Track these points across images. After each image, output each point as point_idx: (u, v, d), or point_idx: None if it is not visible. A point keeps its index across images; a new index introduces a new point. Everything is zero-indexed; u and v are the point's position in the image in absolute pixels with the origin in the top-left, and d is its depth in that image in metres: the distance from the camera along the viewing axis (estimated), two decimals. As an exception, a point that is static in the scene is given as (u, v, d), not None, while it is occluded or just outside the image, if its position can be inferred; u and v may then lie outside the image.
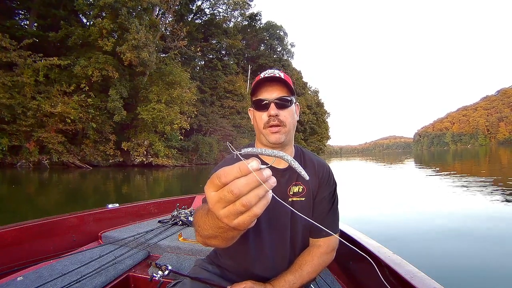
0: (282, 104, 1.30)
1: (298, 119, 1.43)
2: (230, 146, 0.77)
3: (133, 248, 2.47)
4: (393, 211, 7.39)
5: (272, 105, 1.29)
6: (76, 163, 25.24)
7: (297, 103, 1.41)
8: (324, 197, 1.42)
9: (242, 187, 0.60)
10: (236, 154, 0.72)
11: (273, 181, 0.63)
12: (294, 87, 1.36)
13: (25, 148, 22.78)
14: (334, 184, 1.48)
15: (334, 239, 1.42)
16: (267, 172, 0.63)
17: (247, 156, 0.67)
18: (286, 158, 0.74)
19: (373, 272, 1.65)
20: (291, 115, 1.34)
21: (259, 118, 1.33)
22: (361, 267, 1.86)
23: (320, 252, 1.38)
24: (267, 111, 1.30)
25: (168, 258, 2.31)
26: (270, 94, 1.30)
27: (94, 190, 12.82)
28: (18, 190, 11.85)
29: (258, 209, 0.62)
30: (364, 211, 7.54)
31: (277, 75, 1.31)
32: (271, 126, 1.30)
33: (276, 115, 1.29)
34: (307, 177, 0.75)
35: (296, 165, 0.75)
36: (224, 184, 0.62)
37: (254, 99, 1.34)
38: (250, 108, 1.44)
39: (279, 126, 1.30)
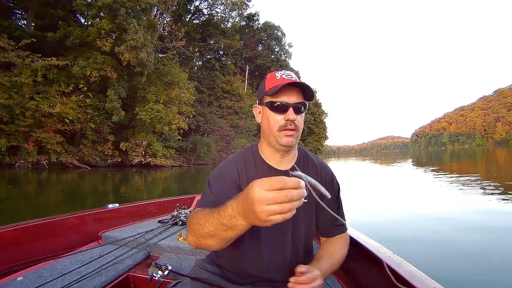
0: (299, 109, 1.30)
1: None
2: (291, 173, 1.02)
3: (133, 248, 2.47)
4: (391, 211, 7.41)
5: (291, 109, 1.28)
6: (75, 163, 25.19)
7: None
8: (328, 199, 1.41)
9: (294, 197, 0.79)
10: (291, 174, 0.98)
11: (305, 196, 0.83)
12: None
13: (24, 149, 22.74)
14: (337, 186, 1.51)
15: (347, 237, 1.50)
16: (305, 191, 0.82)
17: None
18: (323, 190, 1.01)
19: (373, 272, 1.66)
20: (302, 120, 1.35)
21: (274, 120, 1.32)
22: (361, 266, 1.87)
23: (342, 244, 1.45)
24: (284, 115, 1.29)
25: (168, 258, 2.31)
26: (289, 97, 1.29)
27: (92, 190, 12.80)
28: (16, 190, 11.84)
29: (290, 214, 0.81)
30: (362, 210, 7.56)
31: (295, 78, 1.31)
32: (287, 130, 1.30)
33: (293, 120, 1.29)
34: (329, 196, 0.97)
35: (323, 189, 0.98)
36: (281, 189, 0.79)
37: (271, 100, 1.31)
38: (256, 105, 1.43)
39: (294, 130, 1.31)
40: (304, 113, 1.34)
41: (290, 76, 1.31)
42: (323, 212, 1.42)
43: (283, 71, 1.35)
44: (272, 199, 0.78)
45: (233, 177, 1.37)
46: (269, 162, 1.42)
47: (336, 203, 1.47)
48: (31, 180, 16.33)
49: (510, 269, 3.73)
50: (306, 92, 1.31)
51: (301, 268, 1.15)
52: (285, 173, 1.35)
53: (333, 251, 1.40)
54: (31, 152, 22.85)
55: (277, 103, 1.29)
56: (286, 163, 1.41)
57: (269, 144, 1.39)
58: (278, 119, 1.30)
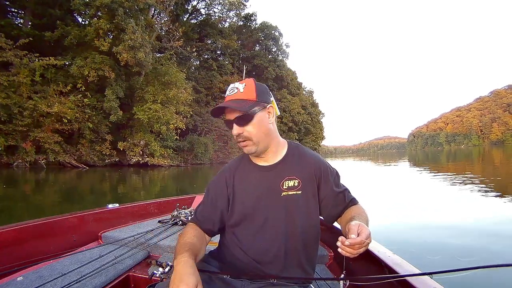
0: (243, 121, 1.37)
1: (272, 121, 1.46)
2: None
3: (133, 248, 2.47)
4: (389, 211, 7.41)
5: (234, 125, 1.38)
6: (73, 163, 25.16)
7: (269, 105, 1.43)
8: (331, 185, 1.48)
9: None
10: None
11: None
12: (261, 90, 1.42)
13: (22, 148, 22.70)
14: (335, 172, 1.55)
15: (361, 206, 1.52)
16: None
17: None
18: None
19: (373, 272, 1.67)
20: (256, 127, 1.39)
21: (232, 134, 1.42)
22: (361, 266, 1.88)
23: (361, 208, 1.49)
24: (232, 130, 1.40)
25: (168, 258, 2.30)
26: (232, 113, 1.38)
27: (90, 190, 12.79)
28: (14, 190, 11.81)
29: None
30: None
31: (236, 90, 1.40)
32: (238, 142, 1.41)
33: (239, 134, 1.38)
34: None
35: None
36: None
37: (223, 118, 1.44)
38: None
39: (245, 141, 1.39)
40: (256, 120, 1.39)
41: (232, 91, 1.41)
42: (331, 198, 1.47)
43: (230, 86, 1.45)
44: None
45: (221, 187, 1.53)
46: (254, 161, 1.52)
47: (338, 186, 1.51)
48: (29, 180, 16.31)
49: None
50: (249, 100, 1.39)
51: (349, 233, 1.14)
52: (265, 168, 1.49)
53: (358, 211, 1.43)
54: (29, 152, 22.80)
55: (224, 120, 1.44)
56: (271, 159, 1.50)
57: None
58: (232, 133, 1.42)
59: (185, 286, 1.01)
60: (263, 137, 1.41)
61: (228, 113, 1.40)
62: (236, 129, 1.37)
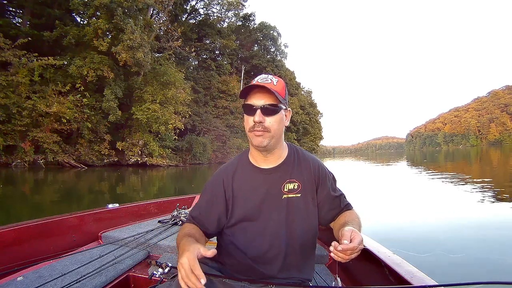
0: (269, 111, 1.35)
1: (288, 124, 1.49)
2: None
3: (133, 248, 2.48)
4: (388, 210, 7.43)
5: (258, 111, 1.34)
6: (71, 163, 25.10)
7: (288, 109, 1.47)
8: (328, 189, 1.51)
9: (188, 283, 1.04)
10: None
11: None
12: (286, 92, 1.44)
13: (20, 148, 22.65)
14: (331, 175, 1.58)
15: (356, 212, 1.56)
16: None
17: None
18: None
19: (373, 272, 1.67)
20: (277, 122, 1.38)
21: (247, 121, 1.39)
22: (361, 267, 1.88)
23: (355, 213, 1.53)
24: (253, 117, 1.35)
25: (168, 258, 2.32)
26: (258, 100, 1.35)
27: (89, 190, 12.76)
28: (13, 189, 11.79)
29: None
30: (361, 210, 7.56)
31: (269, 81, 1.37)
32: (255, 131, 1.36)
33: (260, 122, 1.34)
34: None
35: None
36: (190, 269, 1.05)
37: (243, 103, 1.39)
38: None
39: (263, 131, 1.36)
40: (278, 115, 1.39)
41: (265, 80, 1.38)
42: (328, 201, 1.50)
43: (261, 75, 1.43)
44: (182, 271, 1.05)
45: (218, 190, 1.51)
46: (255, 162, 1.51)
47: (335, 190, 1.55)
48: (28, 180, 16.30)
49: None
50: (279, 93, 1.37)
51: (342, 238, 1.17)
52: (266, 171, 1.47)
53: (352, 216, 1.46)
54: (28, 152, 22.75)
55: (246, 105, 1.38)
56: (272, 162, 1.49)
57: (251, 144, 1.46)
58: (249, 120, 1.38)
59: (187, 252, 1.10)
60: (278, 135, 1.42)
61: (255, 98, 1.37)
62: (259, 116, 1.34)
